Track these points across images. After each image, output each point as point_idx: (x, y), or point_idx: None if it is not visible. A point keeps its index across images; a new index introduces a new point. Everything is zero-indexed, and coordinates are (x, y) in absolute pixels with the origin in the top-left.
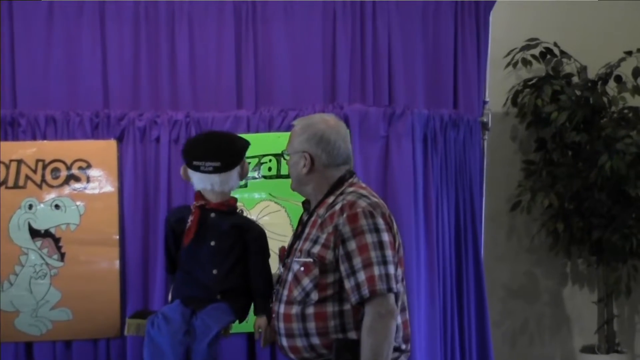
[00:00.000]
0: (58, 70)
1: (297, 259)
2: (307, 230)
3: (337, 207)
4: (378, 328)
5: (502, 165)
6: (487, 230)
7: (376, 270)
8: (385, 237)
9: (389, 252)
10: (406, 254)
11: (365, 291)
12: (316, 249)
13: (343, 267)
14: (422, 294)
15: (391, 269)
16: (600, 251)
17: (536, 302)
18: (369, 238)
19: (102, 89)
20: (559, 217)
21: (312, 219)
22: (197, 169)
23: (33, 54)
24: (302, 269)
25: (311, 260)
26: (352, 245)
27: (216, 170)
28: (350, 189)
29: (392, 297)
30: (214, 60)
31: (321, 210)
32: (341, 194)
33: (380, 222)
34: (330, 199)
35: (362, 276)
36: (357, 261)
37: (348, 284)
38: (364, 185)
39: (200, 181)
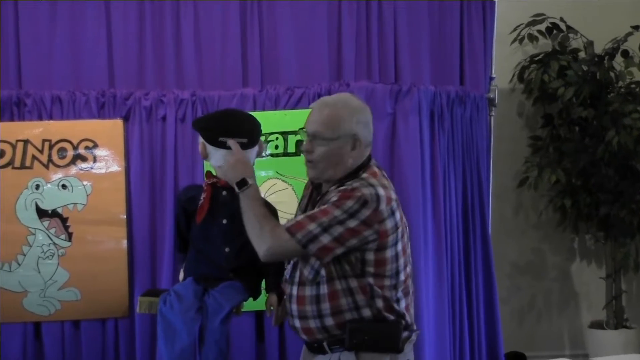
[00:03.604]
0: (63, 50)
1: None
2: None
3: (342, 187)
4: (274, 241)
5: (508, 142)
6: (494, 207)
7: (312, 226)
8: (353, 224)
9: (340, 230)
10: (413, 232)
11: (288, 225)
12: None
13: None
14: (430, 271)
15: (325, 239)
16: (608, 227)
17: (544, 278)
18: (338, 213)
19: (107, 68)
20: (566, 193)
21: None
22: (222, 145)
23: (38, 33)
24: None
25: None
26: (324, 206)
27: (242, 147)
28: (364, 175)
29: (297, 247)
30: (219, 39)
31: (326, 196)
32: (354, 178)
33: (365, 213)
34: (334, 187)
35: (299, 218)
36: (311, 212)
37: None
38: (376, 170)
39: (222, 158)
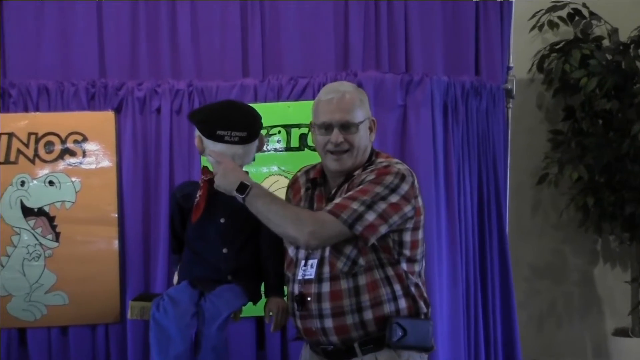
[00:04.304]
0: (51, 37)
1: None
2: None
3: (369, 169)
4: (317, 225)
5: (527, 136)
6: (512, 206)
7: (355, 205)
8: (394, 199)
9: (383, 206)
10: (426, 232)
11: (329, 208)
12: None
13: None
14: (444, 274)
15: (370, 216)
16: (634, 227)
17: (564, 282)
18: (379, 189)
19: (98, 57)
20: (588, 191)
21: (338, 193)
22: (220, 139)
23: (24, 19)
24: None
25: None
26: (360, 186)
27: (242, 141)
28: (379, 160)
29: (343, 228)
30: (218, 25)
31: (355, 180)
32: (371, 164)
33: (404, 187)
34: (358, 172)
35: (338, 200)
36: (348, 193)
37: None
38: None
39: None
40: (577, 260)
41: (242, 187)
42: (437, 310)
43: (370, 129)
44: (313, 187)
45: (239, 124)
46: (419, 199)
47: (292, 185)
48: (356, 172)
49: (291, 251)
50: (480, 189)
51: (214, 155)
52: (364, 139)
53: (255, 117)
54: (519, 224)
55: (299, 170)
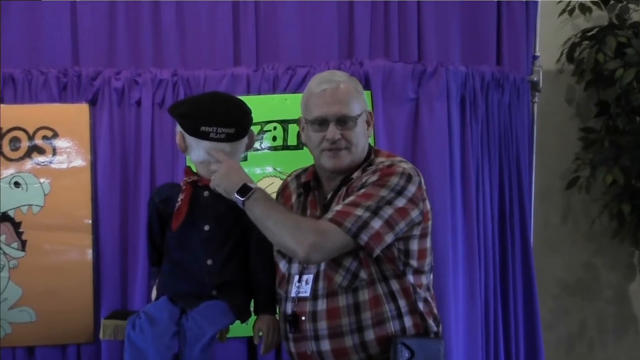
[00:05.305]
0: (18, 20)
1: None
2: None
3: (370, 170)
4: (319, 236)
5: (555, 134)
6: (538, 213)
7: (359, 212)
8: (401, 202)
9: (390, 211)
10: (440, 241)
11: (329, 216)
12: None
13: None
14: (460, 288)
15: (376, 223)
16: None
17: (597, 299)
18: (384, 192)
19: (71, 42)
20: (624, 197)
21: (335, 198)
22: (204, 136)
23: None
24: None
25: None
26: (363, 189)
27: (229, 138)
28: (379, 159)
29: (347, 239)
30: (206, 7)
31: (354, 183)
32: (370, 164)
33: (411, 189)
34: (357, 173)
35: (339, 207)
36: (350, 199)
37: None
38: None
39: (204, 152)
40: (611, 275)
41: (245, 189)
42: (453, 330)
43: (368, 123)
44: (306, 192)
45: (225, 119)
46: (427, 202)
47: (282, 192)
48: (355, 174)
49: (282, 265)
50: (502, 193)
51: (213, 154)
52: (362, 134)
53: (245, 111)
54: (545, 234)
55: (289, 175)
